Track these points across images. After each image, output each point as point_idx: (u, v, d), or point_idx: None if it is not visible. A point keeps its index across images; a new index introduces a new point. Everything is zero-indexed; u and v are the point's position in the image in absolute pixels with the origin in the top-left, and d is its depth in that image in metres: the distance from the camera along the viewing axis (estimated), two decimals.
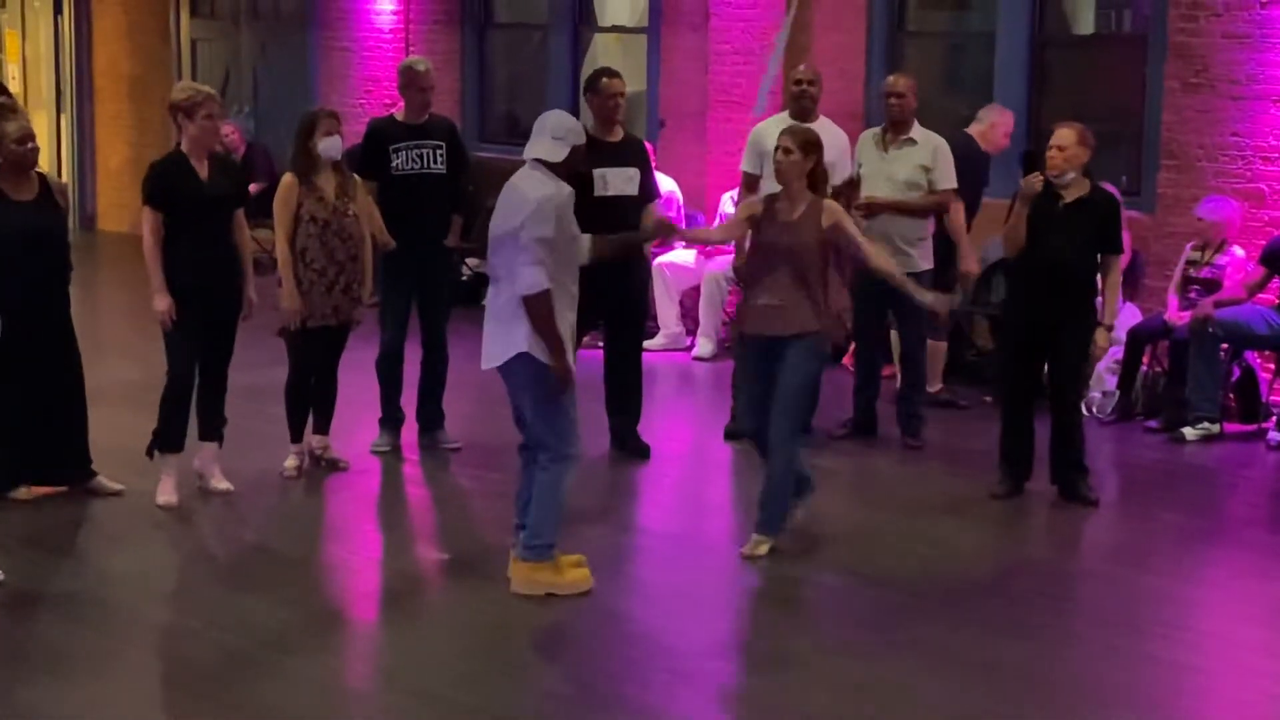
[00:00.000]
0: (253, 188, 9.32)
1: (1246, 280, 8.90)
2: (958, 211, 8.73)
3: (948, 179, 8.60)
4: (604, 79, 8.12)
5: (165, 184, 7.20)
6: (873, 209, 8.45)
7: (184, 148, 7.28)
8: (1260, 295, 8.94)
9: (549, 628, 6.09)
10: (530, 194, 6.04)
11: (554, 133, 6.15)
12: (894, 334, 9.17)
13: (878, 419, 8.80)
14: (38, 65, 16.86)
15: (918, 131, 8.59)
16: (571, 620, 6.17)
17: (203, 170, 7.25)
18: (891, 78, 8.75)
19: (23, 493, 7.34)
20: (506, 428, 6.90)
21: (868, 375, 8.85)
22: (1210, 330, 8.74)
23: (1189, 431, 8.76)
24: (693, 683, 5.61)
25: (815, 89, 8.64)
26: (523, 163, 6.20)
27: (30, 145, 7.13)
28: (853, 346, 10.34)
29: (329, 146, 7.58)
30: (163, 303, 7.17)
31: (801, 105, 8.62)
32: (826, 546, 7.12)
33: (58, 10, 16.49)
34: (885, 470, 8.35)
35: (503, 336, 6.10)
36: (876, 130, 8.71)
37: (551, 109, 6.76)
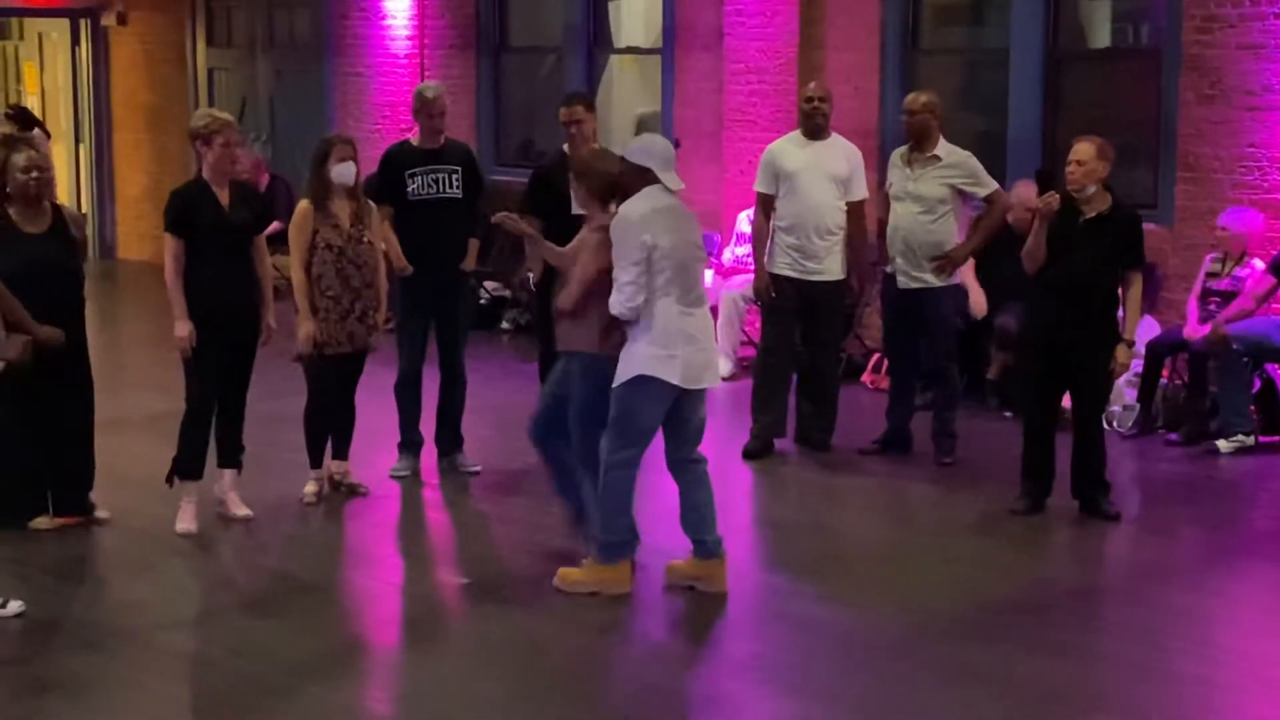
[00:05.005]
0: (276, 225, 9.28)
1: (1255, 290, 8.87)
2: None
3: (987, 183, 8.59)
4: (560, 107, 8.40)
5: (186, 211, 7.23)
6: (951, 266, 8.49)
7: (205, 175, 7.31)
8: (1273, 305, 8.91)
9: (570, 653, 6.07)
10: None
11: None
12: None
13: (912, 437, 8.77)
14: (56, 96, 16.97)
15: (943, 148, 8.54)
16: (593, 645, 6.15)
17: (224, 198, 7.27)
18: (909, 95, 8.71)
19: (44, 522, 7.36)
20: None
21: (900, 392, 8.82)
22: (1234, 347, 8.71)
23: (1223, 444, 8.72)
24: (717, 706, 5.59)
25: (827, 106, 8.66)
26: None
27: (35, 175, 7.11)
28: (872, 361, 10.41)
29: (342, 173, 7.60)
30: (183, 330, 7.19)
31: (814, 123, 8.63)
32: (849, 565, 7.11)
33: (75, 42, 16.59)
34: (909, 487, 8.32)
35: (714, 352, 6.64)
36: (904, 149, 8.66)
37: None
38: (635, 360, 6.33)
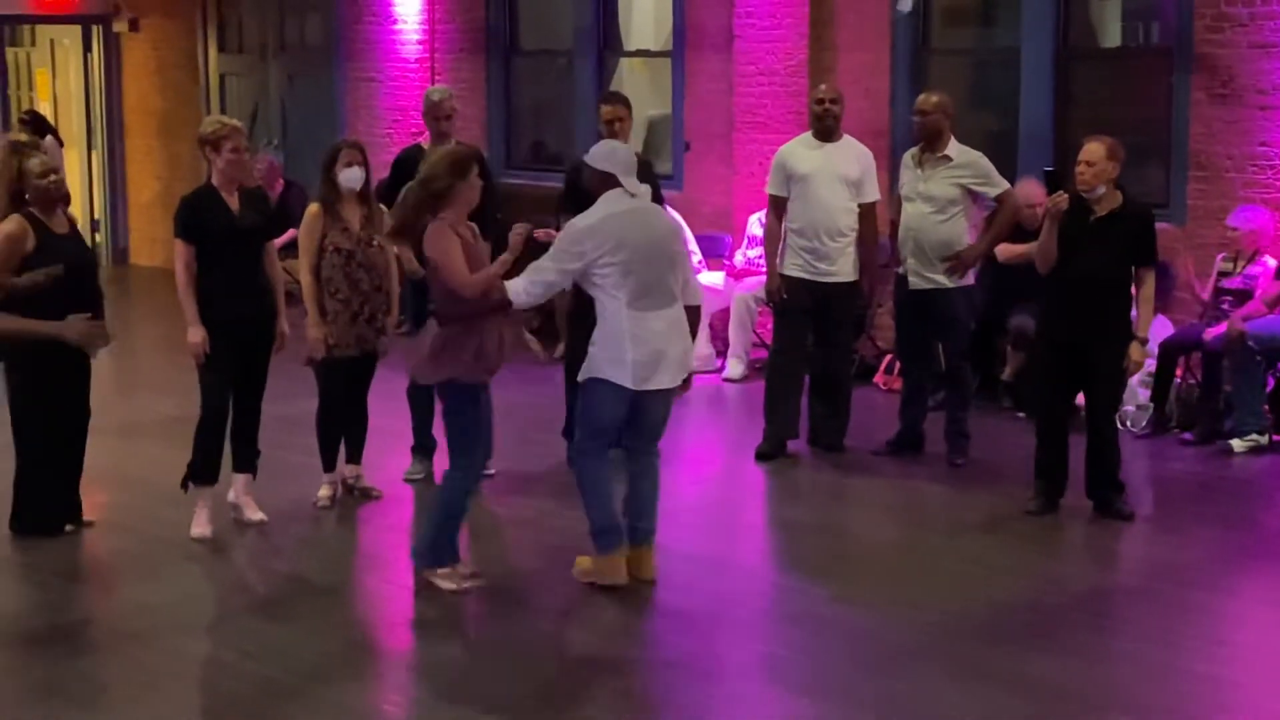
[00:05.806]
0: (292, 233, 9.29)
1: (1266, 294, 8.86)
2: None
3: (999, 183, 8.59)
4: (601, 105, 8.49)
5: (196, 217, 7.24)
6: (963, 266, 8.48)
7: (214, 181, 7.32)
8: None
9: (582, 654, 6.08)
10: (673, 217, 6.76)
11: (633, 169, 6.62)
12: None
13: (924, 437, 8.77)
14: (68, 103, 17.01)
15: (953, 148, 8.55)
16: (606, 645, 6.16)
17: (233, 203, 7.28)
18: (921, 96, 8.74)
19: (70, 527, 7.36)
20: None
21: (913, 392, 8.82)
22: (1249, 344, 8.70)
23: (1236, 443, 8.70)
24: (729, 706, 5.59)
25: (838, 108, 8.66)
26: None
27: (53, 178, 7.18)
28: (884, 362, 10.40)
29: (350, 177, 7.61)
30: (197, 335, 7.20)
31: (825, 125, 8.64)
32: (861, 566, 7.10)
33: (87, 48, 16.64)
34: (921, 488, 8.31)
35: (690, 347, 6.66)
36: (915, 150, 8.67)
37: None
38: (590, 362, 6.52)
